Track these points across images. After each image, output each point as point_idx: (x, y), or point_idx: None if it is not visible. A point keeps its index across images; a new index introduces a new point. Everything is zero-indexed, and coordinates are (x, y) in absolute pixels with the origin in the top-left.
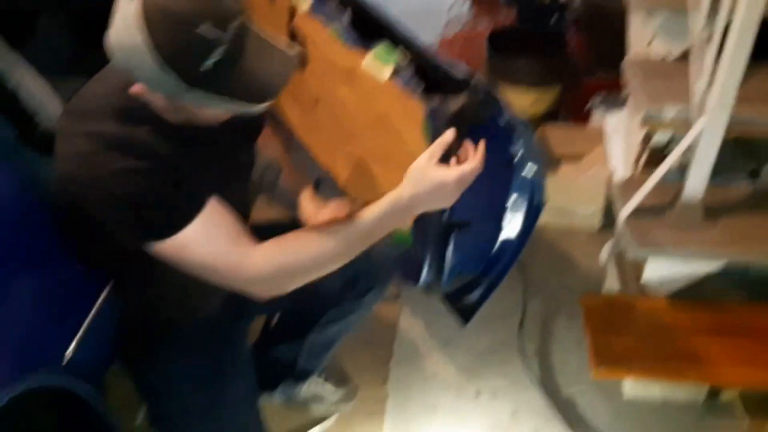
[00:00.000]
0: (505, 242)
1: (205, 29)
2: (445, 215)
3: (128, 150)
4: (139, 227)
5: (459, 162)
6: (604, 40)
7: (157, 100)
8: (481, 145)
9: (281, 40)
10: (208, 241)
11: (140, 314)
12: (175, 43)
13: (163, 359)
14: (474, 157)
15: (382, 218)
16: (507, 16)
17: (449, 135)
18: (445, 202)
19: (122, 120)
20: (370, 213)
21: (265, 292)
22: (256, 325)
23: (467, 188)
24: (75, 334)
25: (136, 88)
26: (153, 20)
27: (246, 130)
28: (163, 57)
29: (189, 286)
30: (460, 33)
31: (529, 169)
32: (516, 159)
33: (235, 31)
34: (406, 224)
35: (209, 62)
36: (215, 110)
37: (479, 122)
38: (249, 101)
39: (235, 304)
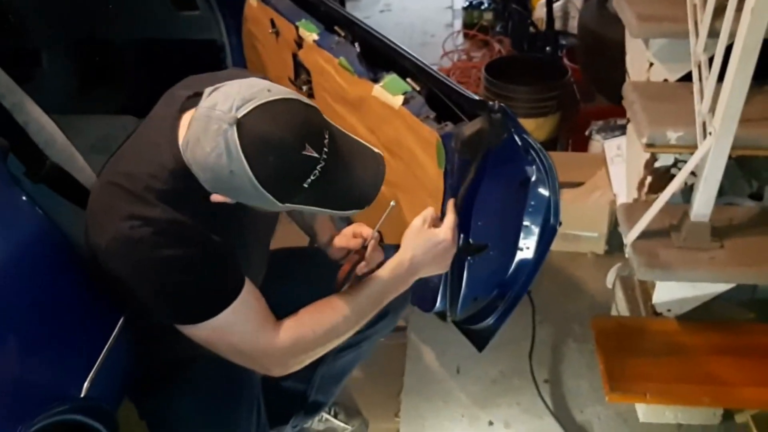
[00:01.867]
0: (521, 264)
1: (304, 154)
2: (461, 239)
3: (176, 237)
4: (177, 314)
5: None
6: (601, 67)
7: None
8: (450, 202)
9: (365, 141)
10: (239, 325)
11: (150, 349)
12: (276, 171)
13: (173, 394)
14: (450, 210)
15: (387, 284)
16: (501, 47)
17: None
18: (444, 260)
19: (170, 203)
20: (377, 281)
21: (285, 369)
22: None
23: (483, 211)
24: (91, 368)
25: (217, 198)
26: (253, 148)
27: None
28: (262, 183)
29: None
30: (456, 64)
31: (545, 190)
32: (531, 180)
33: (328, 146)
34: (408, 286)
35: (307, 182)
36: None
37: (496, 144)
38: (345, 209)
39: None
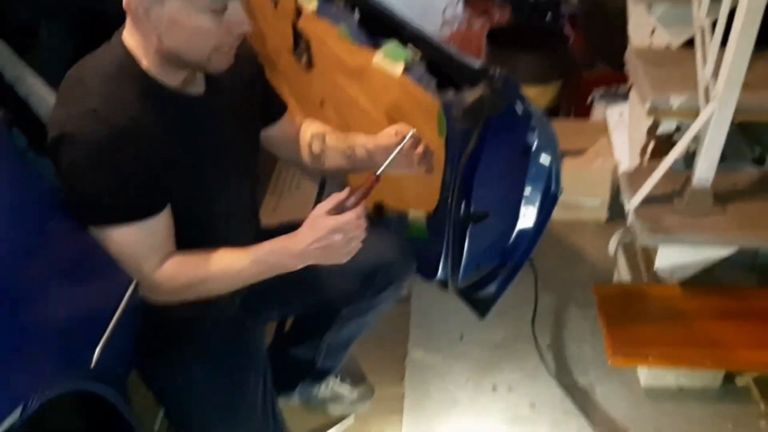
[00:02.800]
0: (522, 232)
1: None
2: (463, 207)
3: (111, 120)
4: (86, 207)
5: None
6: (602, 34)
7: (145, 35)
8: (355, 195)
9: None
10: (134, 246)
11: (158, 313)
12: None
13: (180, 360)
14: (353, 210)
15: (272, 263)
16: (502, 15)
17: (342, 195)
18: (335, 254)
19: (111, 81)
20: (265, 246)
21: (159, 298)
22: (272, 326)
23: (484, 179)
24: (100, 337)
25: (126, 1)
26: None
27: (250, 117)
28: None
29: None
30: (456, 33)
31: (546, 158)
32: (533, 148)
33: None
34: (294, 269)
35: None
36: (202, 19)
37: (497, 112)
38: None
39: (252, 305)
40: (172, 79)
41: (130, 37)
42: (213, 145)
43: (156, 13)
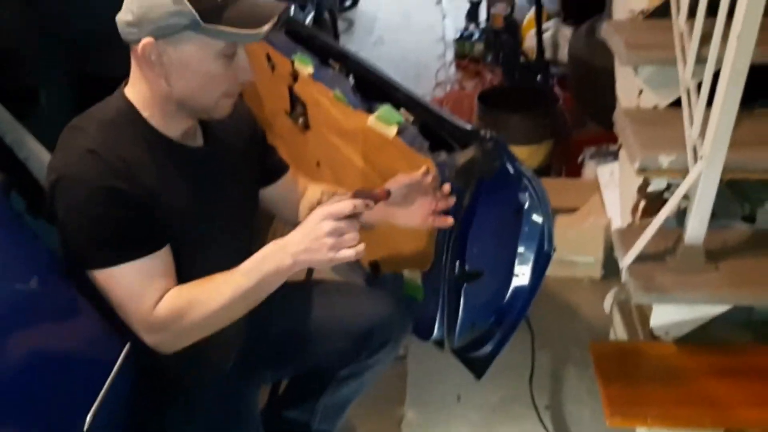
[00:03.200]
0: (517, 291)
1: None
2: (457, 266)
3: (108, 160)
4: (86, 248)
5: None
6: (591, 95)
7: (153, 81)
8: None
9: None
10: (132, 284)
11: (151, 375)
12: None
13: (173, 422)
14: (350, 200)
15: (264, 261)
16: (493, 77)
17: (347, 206)
18: (318, 245)
19: (107, 127)
20: (255, 256)
21: (155, 340)
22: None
23: (478, 238)
24: (93, 401)
25: (140, 47)
26: None
27: (247, 175)
28: None
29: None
30: (449, 94)
31: (538, 217)
32: (525, 207)
33: None
34: (290, 271)
35: None
36: (214, 64)
37: (489, 173)
38: (250, 27)
39: (245, 366)
40: (172, 130)
41: (132, 88)
42: (207, 197)
43: (169, 57)
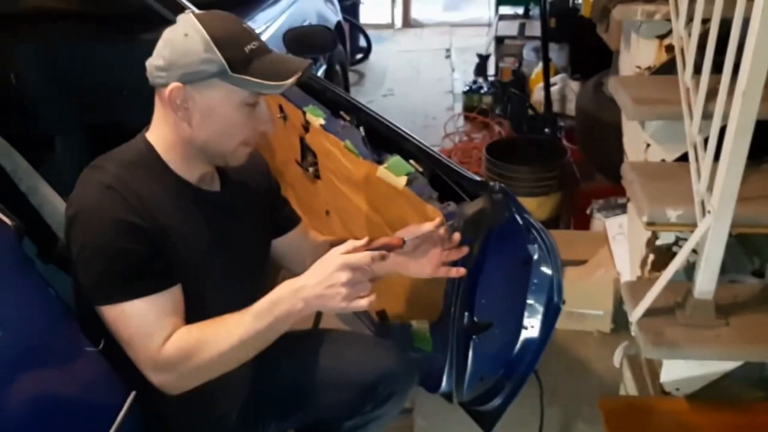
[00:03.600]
0: (526, 343)
1: (244, 26)
2: (466, 318)
3: (117, 201)
4: (93, 282)
5: None
6: (600, 148)
7: (176, 125)
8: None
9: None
10: (142, 321)
11: (156, 421)
12: (225, 29)
13: None
14: (367, 252)
15: (275, 303)
16: (501, 129)
17: (359, 243)
18: (332, 291)
19: (125, 166)
20: (266, 298)
21: (163, 380)
22: None
23: (487, 290)
24: None
25: (168, 91)
26: (205, 17)
27: (261, 225)
28: (214, 40)
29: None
30: (458, 145)
31: (547, 269)
32: (534, 258)
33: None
34: (301, 314)
35: (248, 48)
36: (237, 113)
37: (498, 223)
38: (275, 80)
39: (249, 418)
40: (190, 174)
41: (154, 132)
42: (221, 241)
43: (194, 103)
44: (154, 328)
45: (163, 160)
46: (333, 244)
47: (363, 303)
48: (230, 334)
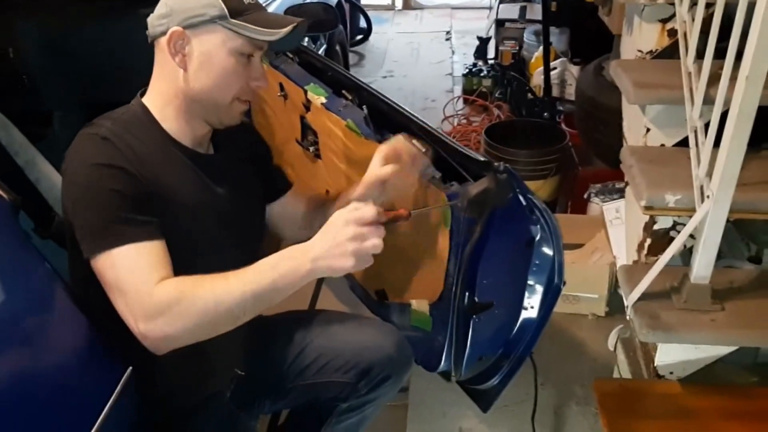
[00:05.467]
0: (525, 323)
1: None
2: (467, 297)
3: (120, 148)
4: (92, 229)
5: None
6: (599, 132)
7: (172, 75)
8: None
9: None
10: (134, 265)
11: (150, 399)
12: None
13: None
14: (374, 207)
15: (279, 263)
16: (500, 112)
17: (370, 211)
18: (340, 249)
19: (121, 124)
20: (269, 258)
21: (153, 326)
22: (264, 419)
23: (488, 270)
24: (93, 424)
25: (168, 35)
26: None
27: (254, 191)
28: None
29: (196, 356)
30: (456, 128)
31: (549, 250)
32: (536, 239)
33: None
34: (303, 278)
35: (248, 0)
36: (232, 61)
37: (501, 204)
38: (271, 28)
39: (244, 397)
40: (183, 136)
41: (149, 93)
42: (216, 203)
43: (191, 48)
44: (146, 272)
45: (157, 122)
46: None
47: (370, 261)
48: (228, 285)
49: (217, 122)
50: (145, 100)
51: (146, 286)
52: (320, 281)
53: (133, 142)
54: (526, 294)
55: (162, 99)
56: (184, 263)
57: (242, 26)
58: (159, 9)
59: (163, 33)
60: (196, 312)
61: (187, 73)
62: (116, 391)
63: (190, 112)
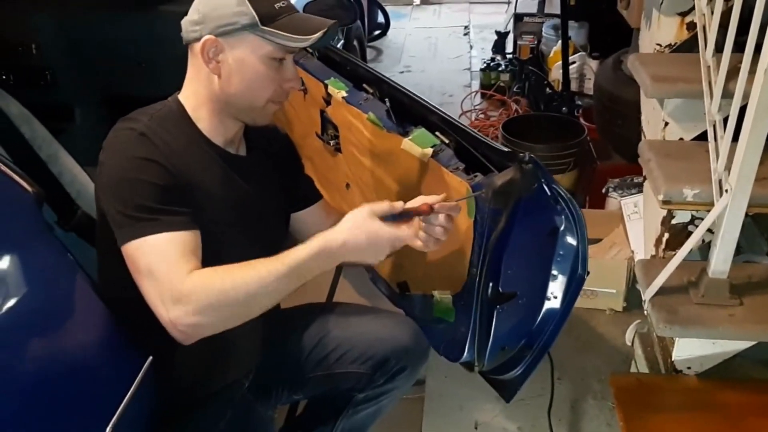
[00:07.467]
0: (548, 314)
1: None
2: (491, 288)
3: (156, 143)
4: (127, 215)
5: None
6: (617, 127)
7: (206, 79)
8: (416, 221)
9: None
10: (166, 251)
11: (170, 388)
12: None
13: None
14: (411, 225)
15: (312, 257)
16: (518, 106)
17: (398, 205)
18: (372, 257)
19: (157, 120)
20: (302, 250)
21: (184, 314)
22: (283, 409)
23: (512, 260)
24: (114, 412)
25: (202, 43)
26: None
27: (282, 195)
28: None
29: (216, 347)
30: (474, 123)
31: (573, 239)
32: (560, 229)
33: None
34: (331, 267)
35: (278, 5)
36: (264, 66)
37: (527, 193)
38: (302, 33)
39: (262, 387)
40: (217, 136)
41: (185, 92)
42: (243, 202)
43: (225, 55)
44: (179, 259)
45: (192, 120)
46: None
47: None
48: (256, 270)
49: (251, 121)
50: (181, 97)
51: (179, 273)
52: (338, 274)
53: (168, 138)
54: (550, 284)
55: (197, 100)
56: (208, 256)
57: (273, 33)
58: (191, 15)
59: (197, 39)
60: (225, 299)
61: (221, 79)
62: (137, 381)
63: (224, 112)
